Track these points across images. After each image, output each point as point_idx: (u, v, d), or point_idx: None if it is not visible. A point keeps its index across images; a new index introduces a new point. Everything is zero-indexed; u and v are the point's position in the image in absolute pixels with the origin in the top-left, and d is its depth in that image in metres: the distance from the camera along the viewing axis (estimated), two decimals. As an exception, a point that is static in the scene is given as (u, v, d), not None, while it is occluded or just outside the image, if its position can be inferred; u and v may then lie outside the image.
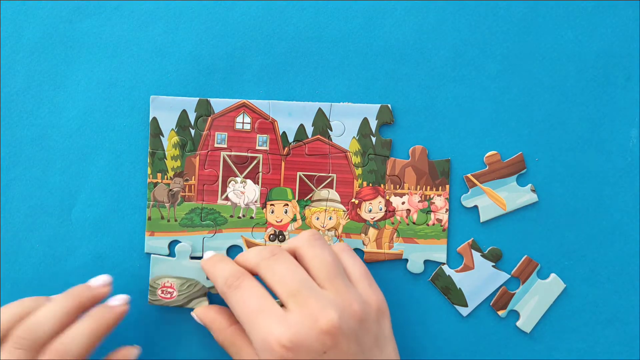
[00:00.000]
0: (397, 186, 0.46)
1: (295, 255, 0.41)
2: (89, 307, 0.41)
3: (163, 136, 0.46)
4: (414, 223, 0.46)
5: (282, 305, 0.38)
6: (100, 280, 0.42)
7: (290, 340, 0.36)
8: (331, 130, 0.46)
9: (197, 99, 0.46)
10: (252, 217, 0.46)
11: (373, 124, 0.46)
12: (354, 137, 0.46)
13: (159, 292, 0.45)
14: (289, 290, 0.38)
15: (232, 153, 0.46)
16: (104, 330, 0.40)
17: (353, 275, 0.41)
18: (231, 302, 0.39)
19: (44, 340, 0.38)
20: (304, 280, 0.38)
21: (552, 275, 0.46)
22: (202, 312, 0.43)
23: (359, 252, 0.46)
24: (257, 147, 0.46)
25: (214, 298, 0.45)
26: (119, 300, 0.42)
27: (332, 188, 0.46)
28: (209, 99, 0.46)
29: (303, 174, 0.46)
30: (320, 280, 0.39)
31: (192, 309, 0.45)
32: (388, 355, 0.39)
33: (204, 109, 0.46)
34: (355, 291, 0.39)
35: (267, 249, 0.41)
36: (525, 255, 0.46)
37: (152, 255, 0.45)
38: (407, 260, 0.46)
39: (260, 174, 0.46)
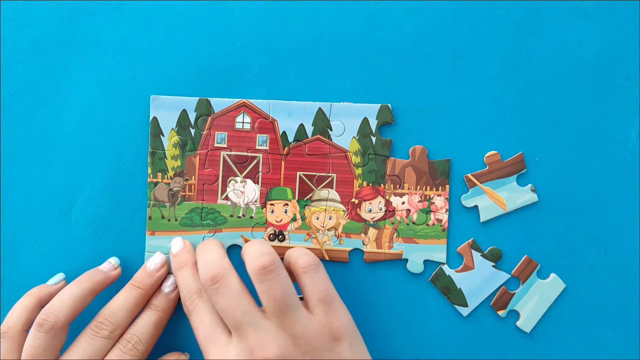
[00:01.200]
0: (397, 186, 0.46)
1: None
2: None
3: (163, 136, 0.46)
4: (413, 223, 0.46)
5: None
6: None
7: None
8: (331, 130, 0.46)
9: (197, 98, 0.46)
10: (252, 217, 0.46)
11: (373, 124, 0.46)
12: (354, 137, 0.46)
13: None
14: (231, 323, 0.39)
15: (232, 153, 0.46)
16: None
17: (310, 301, 0.40)
18: (191, 323, 0.41)
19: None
20: (245, 312, 0.38)
21: (552, 275, 0.46)
22: None
23: (358, 252, 0.46)
24: (257, 147, 0.46)
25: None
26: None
27: (332, 188, 0.46)
28: (209, 98, 0.46)
29: (303, 174, 0.46)
30: (268, 313, 0.39)
31: None
32: None
33: (204, 108, 0.46)
34: (305, 323, 0.38)
35: (210, 275, 0.39)
36: (525, 255, 0.46)
37: (146, 252, 0.46)
38: (407, 260, 0.46)
39: (260, 173, 0.46)
